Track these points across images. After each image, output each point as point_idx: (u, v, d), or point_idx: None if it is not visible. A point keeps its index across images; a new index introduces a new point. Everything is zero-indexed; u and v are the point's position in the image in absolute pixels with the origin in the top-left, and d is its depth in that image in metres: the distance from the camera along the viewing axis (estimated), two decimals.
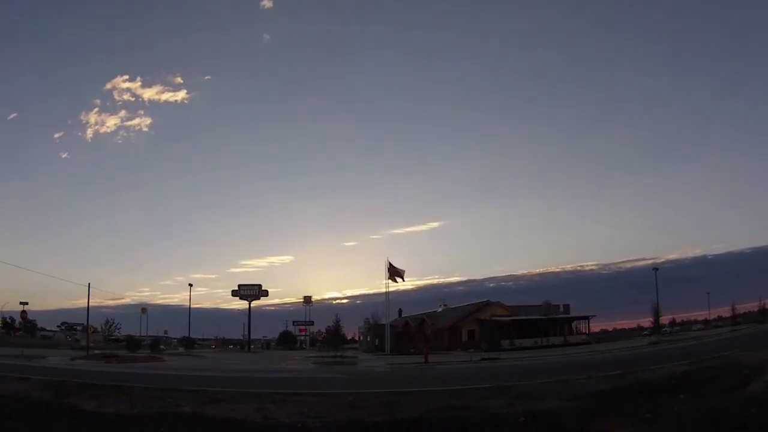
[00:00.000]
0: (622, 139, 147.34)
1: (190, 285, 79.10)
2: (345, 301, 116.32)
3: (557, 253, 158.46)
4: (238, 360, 43.28)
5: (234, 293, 79.28)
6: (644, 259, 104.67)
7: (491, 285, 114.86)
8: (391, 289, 56.99)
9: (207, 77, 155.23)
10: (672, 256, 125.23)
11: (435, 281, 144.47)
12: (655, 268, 58.04)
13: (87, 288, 49.36)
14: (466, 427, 8.41)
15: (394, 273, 54.26)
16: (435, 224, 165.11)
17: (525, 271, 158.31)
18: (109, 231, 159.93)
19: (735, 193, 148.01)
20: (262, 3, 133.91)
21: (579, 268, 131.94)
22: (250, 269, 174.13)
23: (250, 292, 78.62)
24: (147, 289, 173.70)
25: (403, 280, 55.82)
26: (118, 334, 76.70)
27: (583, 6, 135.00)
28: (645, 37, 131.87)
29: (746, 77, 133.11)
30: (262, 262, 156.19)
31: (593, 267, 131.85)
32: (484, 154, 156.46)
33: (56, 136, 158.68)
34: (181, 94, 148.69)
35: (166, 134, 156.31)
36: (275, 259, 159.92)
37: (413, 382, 18.35)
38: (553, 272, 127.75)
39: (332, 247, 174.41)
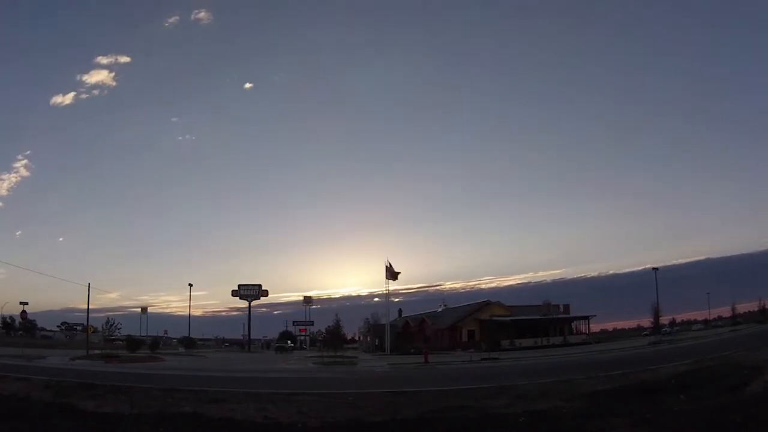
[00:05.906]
0: (622, 142, 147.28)
1: (190, 285, 79.21)
2: (345, 301, 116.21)
3: (557, 254, 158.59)
4: (238, 360, 43.30)
5: (234, 293, 79.36)
6: (644, 259, 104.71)
7: (491, 286, 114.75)
8: (391, 289, 57.10)
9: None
10: (672, 257, 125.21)
11: (435, 282, 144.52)
12: (655, 269, 58.03)
13: (87, 288, 49.47)
14: (466, 427, 8.40)
15: (392, 273, 54.29)
16: (436, 225, 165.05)
17: (525, 272, 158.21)
18: (110, 232, 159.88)
19: (736, 194, 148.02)
20: None
21: (579, 268, 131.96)
22: (251, 269, 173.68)
23: (250, 291, 78.70)
24: (147, 290, 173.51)
25: (396, 279, 55.77)
26: (118, 334, 76.64)
27: (576, 8, 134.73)
28: (653, 39, 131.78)
29: (749, 76, 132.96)
30: (263, 262, 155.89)
31: (593, 267, 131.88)
32: (484, 156, 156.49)
33: None
34: None
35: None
36: (275, 259, 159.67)
37: (413, 382, 18.36)
38: (553, 273, 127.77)
39: (332, 247, 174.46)
